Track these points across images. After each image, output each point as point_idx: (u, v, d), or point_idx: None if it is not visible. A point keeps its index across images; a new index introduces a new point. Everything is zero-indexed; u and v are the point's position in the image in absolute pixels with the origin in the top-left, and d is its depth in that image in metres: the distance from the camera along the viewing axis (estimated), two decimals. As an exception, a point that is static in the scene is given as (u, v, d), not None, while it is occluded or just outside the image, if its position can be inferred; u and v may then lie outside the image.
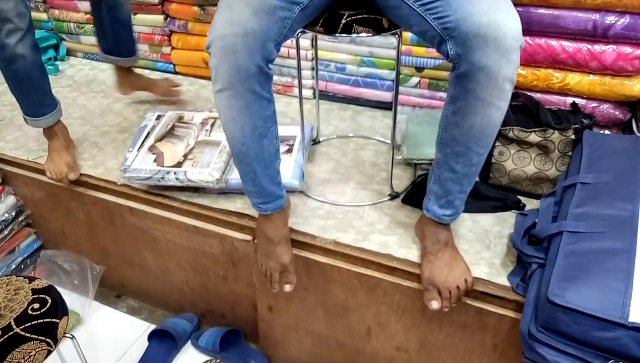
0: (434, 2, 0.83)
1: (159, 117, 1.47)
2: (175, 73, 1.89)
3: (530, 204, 1.18)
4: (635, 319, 0.74)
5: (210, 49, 0.84)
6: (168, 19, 1.79)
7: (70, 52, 2.06)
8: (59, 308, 1.00)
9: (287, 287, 1.08)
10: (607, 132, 1.31)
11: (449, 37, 0.81)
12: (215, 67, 0.85)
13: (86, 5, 1.90)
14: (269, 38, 0.84)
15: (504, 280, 1.02)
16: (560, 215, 0.99)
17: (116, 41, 1.53)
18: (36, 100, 1.34)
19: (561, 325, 0.80)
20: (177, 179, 1.24)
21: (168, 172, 1.25)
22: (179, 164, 1.27)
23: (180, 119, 1.45)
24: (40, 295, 1.02)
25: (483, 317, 1.02)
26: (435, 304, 0.99)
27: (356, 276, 1.10)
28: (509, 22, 0.78)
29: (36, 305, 0.99)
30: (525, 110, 1.21)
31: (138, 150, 1.34)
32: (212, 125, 1.41)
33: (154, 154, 1.31)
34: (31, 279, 1.06)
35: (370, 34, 1.00)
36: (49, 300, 1.01)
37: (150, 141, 1.36)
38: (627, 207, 0.91)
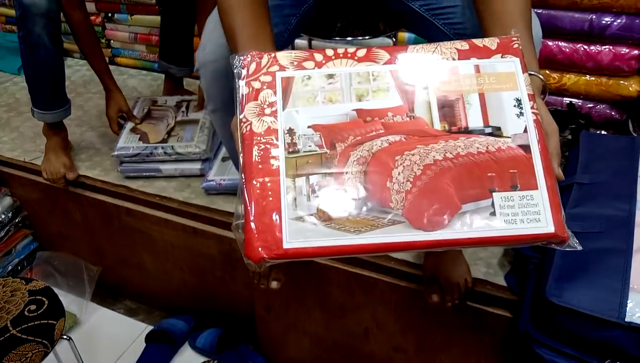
0: (445, 8, 0.81)
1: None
2: (173, 74, 1.89)
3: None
4: (632, 319, 0.74)
5: (200, 71, 0.81)
6: (165, 20, 1.79)
7: (67, 53, 2.05)
8: (56, 310, 1.00)
9: (274, 284, 1.07)
10: (603, 132, 1.32)
11: None
12: (207, 89, 0.83)
13: (83, 6, 1.89)
14: None
15: (501, 280, 1.02)
16: (557, 215, 0.99)
17: (176, 49, 1.55)
18: (49, 92, 1.34)
19: (558, 324, 0.80)
20: (165, 153, 1.32)
21: (155, 148, 1.32)
22: (163, 141, 1.34)
23: (154, 103, 1.51)
24: (37, 297, 1.01)
25: (481, 318, 1.02)
26: (435, 297, 0.99)
27: (353, 276, 1.10)
28: (534, 32, 0.76)
29: (33, 307, 0.99)
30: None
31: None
32: (187, 107, 1.48)
33: (137, 134, 1.38)
34: (28, 281, 1.06)
35: (367, 37, 1.00)
36: (46, 302, 1.01)
37: (130, 125, 1.42)
38: (624, 207, 0.92)
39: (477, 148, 0.52)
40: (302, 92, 0.55)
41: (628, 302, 0.76)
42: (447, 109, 0.54)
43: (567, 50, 1.24)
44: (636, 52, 1.19)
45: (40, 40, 1.23)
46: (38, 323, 0.96)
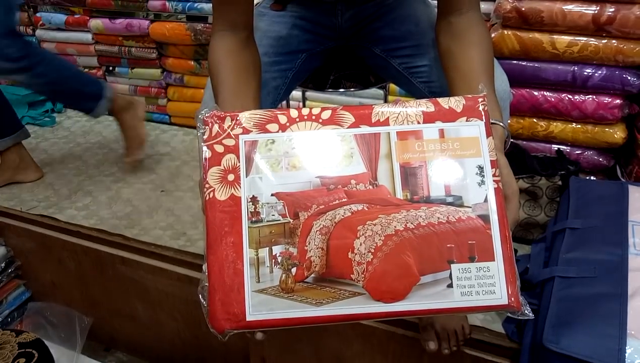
0: (418, 67, 0.86)
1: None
2: (171, 124, 1.93)
3: (522, 250, 1.19)
4: (631, 365, 0.74)
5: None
6: (165, 73, 1.85)
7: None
8: (47, 363, 0.98)
9: (259, 335, 1.05)
10: (592, 178, 1.34)
11: None
12: None
13: (85, 60, 1.96)
14: None
15: (499, 327, 1.01)
16: (551, 261, 0.99)
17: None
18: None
19: (558, 372, 0.79)
20: None
21: None
22: None
23: None
24: (27, 350, 0.99)
25: (480, 366, 1.00)
26: (432, 345, 0.97)
27: (350, 325, 1.09)
28: (498, 85, 0.79)
29: (22, 360, 0.97)
30: (512, 157, 1.23)
31: None
32: None
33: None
34: (18, 333, 1.04)
35: (358, 89, 1.04)
36: (36, 355, 0.99)
37: None
38: (617, 252, 0.93)
39: (438, 218, 0.53)
40: (266, 158, 0.54)
41: (627, 348, 0.76)
42: (410, 176, 0.55)
43: (553, 99, 1.29)
44: (618, 101, 1.24)
45: None
46: (27, 377, 0.94)
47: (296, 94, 1.63)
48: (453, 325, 0.97)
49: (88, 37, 1.88)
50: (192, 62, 1.76)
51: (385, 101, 1.14)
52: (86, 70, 1.98)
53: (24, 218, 1.46)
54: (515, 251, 1.17)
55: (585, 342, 0.77)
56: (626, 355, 0.75)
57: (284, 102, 1.51)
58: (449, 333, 0.97)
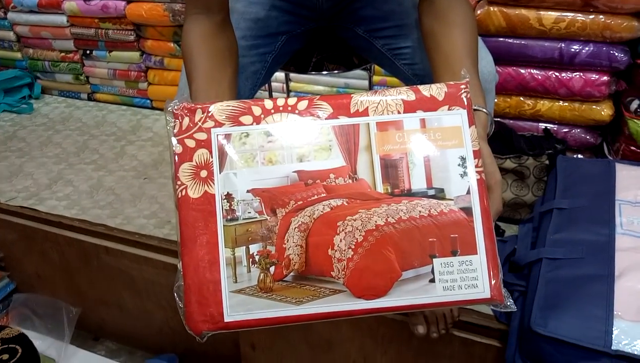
0: (402, 49, 0.84)
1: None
2: (152, 108, 1.89)
3: (510, 230, 1.18)
4: (619, 347, 0.74)
5: None
6: (144, 56, 1.80)
7: (45, 90, 2.04)
8: (30, 359, 0.96)
9: None
10: (580, 156, 1.34)
11: (420, 82, 0.82)
12: None
13: (61, 44, 1.89)
14: (241, 98, 0.82)
15: (487, 309, 1.01)
16: (539, 242, 0.99)
17: None
18: None
19: (545, 354, 0.79)
20: None
21: None
22: None
23: None
24: (10, 345, 0.98)
25: (469, 347, 1.01)
26: (421, 329, 0.97)
27: (339, 310, 1.09)
28: (483, 66, 0.78)
29: (5, 357, 0.95)
30: (499, 137, 1.23)
31: None
32: None
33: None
34: (1, 328, 1.02)
35: (342, 71, 1.01)
36: (19, 350, 0.97)
37: None
38: (604, 232, 0.92)
39: (420, 211, 0.52)
40: (240, 152, 0.52)
41: (613, 329, 0.76)
42: (391, 169, 0.53)
43: (540, 77, 1.27)
44: (605, 78, 1.23)
45: None
46: (11, 374, 0.92)
47: (279, 75, 1.60)
48: (442, 308, 0.97)
49: (63, 19, 1.81)
50: (172, 44, 1.71)
51: (370, 82, 1.11)
52: (62, 54, 1.91)
53: (3, 209, 1.43)
54: (503, 231, 1.17)
55: (573, 325, 0.78)
56: (613, 336, 0.75)
57: (266, 86, 1.48)
58: (437, 317, 0.97)
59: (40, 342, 1.01)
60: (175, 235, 1.33)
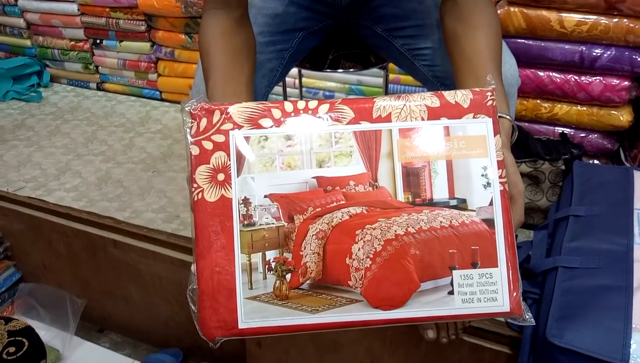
0: (422, 49, 0.82)
1: None
2: (162, 100, 1.87)
3: (523, 234, 1.17)
4: (637, 361, 0.72)
5: None
6: (154, 47, 1.78)
7: (54, 79, 2.03)
8: (37, 352, 0.96)
9: None
10: (596, 161, 1.31)
11: (441, 84, 0.80)
12: None
13: (71, 32, 1.88)
14: (257, 95, 0.81)
15: (498, 316, 0.99)
16: (554, 249, 0.97)
17: None
18: None
19: (560, 366, 0.78)
20: None
21: None
22: None
23: None
24: (17, 338, 0.97)
25: (478, 353, 0.99)
26: (431, 333, 0.96)
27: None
28: (507, 70, 0.75)
29: (12, 349, 0.95)
30: (515, 141, 1.21)
31: None
32: None
33: None
34: (7, 320, 1.02)
35: (358, 69, 0.99)
36: (26, 343, 0.97)
37: None
38: (622, 241, 0.90)
39: (441, 222, 0.50)
40: (259, 156, 0.50)
41: (631, 342, 0.74)
42: (413, 177, 0.51)
43: (559, 80, 1.25)
44: (626, 83, 1.20)
45: None
46: (17, 367, 0.92)
47: (292, 70, 1.58)
48: (455, 316, 0.95)
49: (74, 8, 1.80)
50: (183, 36, 1.69)
51: (386, 81, 1.09)
52: (72, 43, 1.90)
53: (11, 199, 1.42)
54: (516, 236, 1.15)
55: (590, 337, 0.76)
56: (631, 350, 0.73)
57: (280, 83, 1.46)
58: (448, 323, 0.95)
59: (45, 332, 1.01)
60: (184, 232, 1.32)
